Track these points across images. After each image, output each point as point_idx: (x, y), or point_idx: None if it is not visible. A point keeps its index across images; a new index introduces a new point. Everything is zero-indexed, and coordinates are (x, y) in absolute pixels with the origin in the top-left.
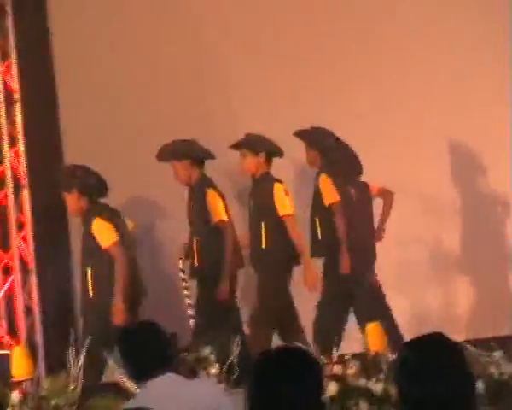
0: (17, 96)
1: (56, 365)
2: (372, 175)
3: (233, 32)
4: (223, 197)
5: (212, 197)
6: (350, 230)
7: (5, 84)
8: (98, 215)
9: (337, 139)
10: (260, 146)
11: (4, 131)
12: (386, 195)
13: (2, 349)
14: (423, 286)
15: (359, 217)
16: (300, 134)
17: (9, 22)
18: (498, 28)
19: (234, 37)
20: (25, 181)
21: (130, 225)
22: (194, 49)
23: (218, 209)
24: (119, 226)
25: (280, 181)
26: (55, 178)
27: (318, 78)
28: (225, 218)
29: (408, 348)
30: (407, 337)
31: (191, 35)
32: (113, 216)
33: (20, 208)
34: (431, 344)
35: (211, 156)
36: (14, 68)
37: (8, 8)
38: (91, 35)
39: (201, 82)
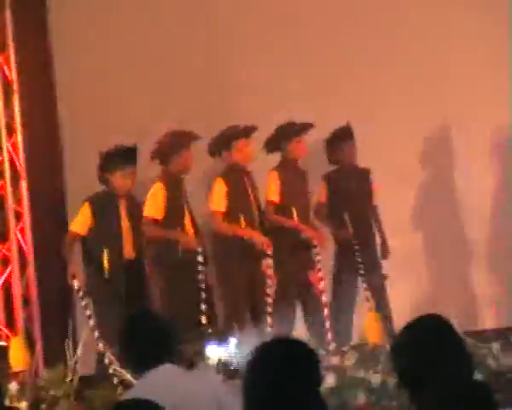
0: (15, 86)
1: (54, 356)
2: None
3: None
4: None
5: None
6: None
7: (4, 75)
8: None
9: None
10: None
11: (2, 121)
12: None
13: (0, 341)
14: (427, 274)
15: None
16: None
17: (8, 14)
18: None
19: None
20: (22, 172)
21: None
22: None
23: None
24: None
25: (223, 177)
26: (53, 168)
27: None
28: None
29: (406, 328)
30: None
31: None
32: None
33: (17, 199)
34: (428, 325)
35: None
36: (12, 59)
37: (7, 1)
38: (89, 23)
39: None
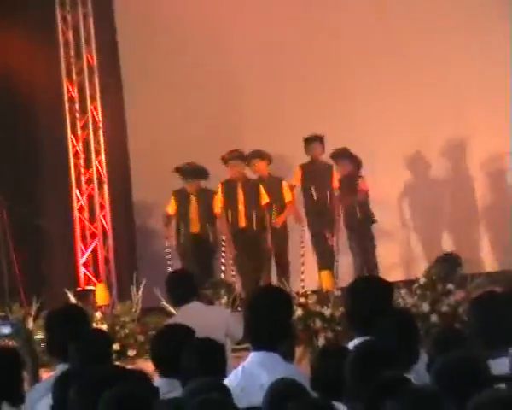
0: (100, 125)
1: (124, 296)
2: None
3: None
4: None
5: None
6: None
7: (93, 117)
8: None
9: None
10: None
11: (92, 147)
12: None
13: (90, 285)
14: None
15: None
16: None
17: (96, 80)
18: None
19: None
20: (105, 179)
21: None
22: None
23: None
24: None
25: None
26: (125, 177)
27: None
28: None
29: (352, 285)
30: None
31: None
32: None
33: (101, 196)
34: (368, 282)
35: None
36: (99, 108)
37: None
38: (158, 81)
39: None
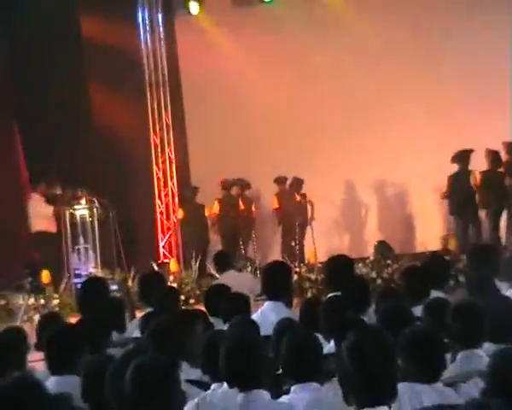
0: (173, 160)
1: (188, 266)
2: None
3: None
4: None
5: None
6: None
7: (169, 157)
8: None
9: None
10: None
11: (168, 174)
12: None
13: (166, 260)
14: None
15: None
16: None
17: (171, 133)
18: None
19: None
20: (176, 194)
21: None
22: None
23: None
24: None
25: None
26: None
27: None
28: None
29: (328, 260)
30: None
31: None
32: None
33: (174, 204)
34: (338, 259)
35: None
36: (173, 150)
37: (171, 128)
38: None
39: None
